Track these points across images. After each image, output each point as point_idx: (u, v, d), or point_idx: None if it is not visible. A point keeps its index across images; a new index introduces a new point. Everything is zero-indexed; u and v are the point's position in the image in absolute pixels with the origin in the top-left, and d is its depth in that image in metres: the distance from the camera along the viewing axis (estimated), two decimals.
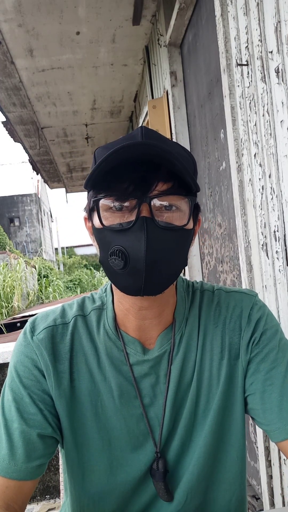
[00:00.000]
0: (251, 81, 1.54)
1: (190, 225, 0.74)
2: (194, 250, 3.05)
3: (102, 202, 0.71)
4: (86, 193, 0.79)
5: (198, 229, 0.81)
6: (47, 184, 9.01)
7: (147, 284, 0.69)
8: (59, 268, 24.17)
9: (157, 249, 0.68)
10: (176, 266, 0.73)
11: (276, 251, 1.47)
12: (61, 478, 0.91)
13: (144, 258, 0.67)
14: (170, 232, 0.70)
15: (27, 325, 0.83)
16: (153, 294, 0.72)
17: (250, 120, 1.59)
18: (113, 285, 0.80)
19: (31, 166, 7.52)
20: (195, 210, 0.76)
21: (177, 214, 0.72)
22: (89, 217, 0.77)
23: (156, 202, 0.69)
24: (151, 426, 0.80)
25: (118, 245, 0.69)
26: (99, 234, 0.73)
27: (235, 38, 1.68)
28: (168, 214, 0.71)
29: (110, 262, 0.70)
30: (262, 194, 1.55)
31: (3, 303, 9.47)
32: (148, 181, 0.69)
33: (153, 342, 0.80)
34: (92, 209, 0.75)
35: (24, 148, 6.37)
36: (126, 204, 0.70)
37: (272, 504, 1.69)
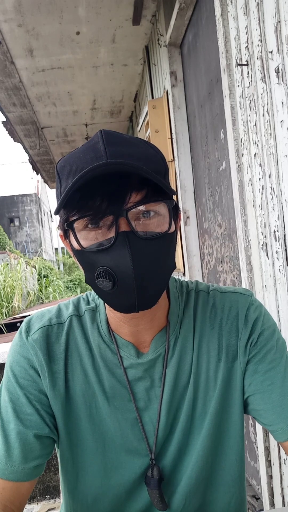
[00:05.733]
0: (251, 81, 1.54)
1: (172, 229, 0.71)
2: (194, 250, 3.05)
3: (77, 223, 0.67)
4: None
5: (179, 224, 0.77)
6: (47, 184, 9.01)
7: (140, 299, 0.67)
8: (59, 268, 24.17)
9: (144, 262, 0.65)
10: (165, 273, 0.71)
11: (276, 251, 1.47)
12: (60, 479, 0.91)
13: (133, 275, 0.65)
14: (153, 241, 0.67)
15: (23, 325, 0.82)
16: (147, 308, 0.70)
17: (250, 120, 1.59)
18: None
19: (31, 166, 7.52)
20: (174, 211, 0.73)
21: (157, 219, 0.68)
22: (65, 236, 0.72)
23: (132, 212, 0.66)
24: (146, 431, 0.79)
25: (103, 266, 0.66)
26: (80, 256, 0.70)
27: (235, 38, 1.67)
28: (146, 221, 0.68)
29: (98, 284, 0.68)
30: (262, 194, 1.55)
31: (3, 303, 9.46)
32: (121, 194, 0.65)
33: (148, 346, 0.79)
34: (66, 230, 0.70)
35: (24, 148, 6.37)
36: (102, 222, 0.66)
37: (272, 504, 1.69)
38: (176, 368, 0.79)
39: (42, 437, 0.78)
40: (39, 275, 14.32)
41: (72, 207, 0.67)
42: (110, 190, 0.65)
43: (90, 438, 0.79)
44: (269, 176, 1.46)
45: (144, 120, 4.47)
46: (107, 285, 0.67)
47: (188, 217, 3.04)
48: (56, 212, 0.69)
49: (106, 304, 0.81)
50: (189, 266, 3.06)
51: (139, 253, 0.65)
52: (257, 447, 1.89)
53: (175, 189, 2.23)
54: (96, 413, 0.79)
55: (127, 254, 0.64)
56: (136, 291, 0.66)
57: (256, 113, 1.53)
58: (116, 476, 0.79)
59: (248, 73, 1.57)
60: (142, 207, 0.67)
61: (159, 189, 0.68)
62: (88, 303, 0.84)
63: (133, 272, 0.65)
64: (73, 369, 0.80)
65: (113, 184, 0.65)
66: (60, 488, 0.90)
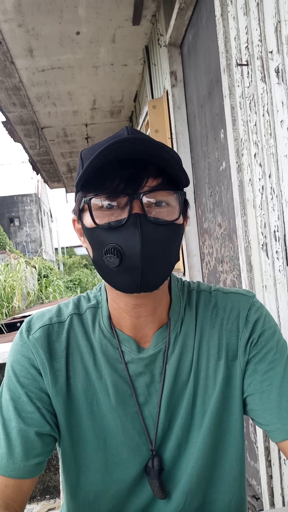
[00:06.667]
0: (251, 81, 1.55)
1: (181, 220, 0.75)
2: (194, 250, 3.06)
3: (94, 201, 0.71)
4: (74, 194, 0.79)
5: (185, 225, 0.81)
6: (47, 184, 9.01)
7: (143, 280, 0.70)
8: (59, 268, 24.17)
9: (151, 245, 0.69)
10: (170, 261, 0.74)
11: (276, 251, 1.47)
12: (61, 478, 0.91)
13: (140, 255, 0.68)
14: (162, 227, 0.71)
15: (23, 325, 0.83)
16: (149, 290, 0.72)
17: (250, 120, 1.59)
18: (107, 285, 0.80)
19: (31, 166, 7.52)
20: (184, 206, 0.76)
21: (167, 209, 0.72)
22: (79, 218, 0.77)
23: (146, 198, 0.70)
24: (146, 425, 0.80)
25: (112, 243, 0.69)
26: (92, 234, 0.73)
27: (235, 38, 1.68)
28: (159, 209, 0.72)
29: (105, 260, 0.71)
30: (262, 194, 1.55)
31: (3, 303, 9.47)
32: (138, 178, 0.70)
33: (149, 341, 0.81)
34: (82, 209, 0.75)
35: (24, 148, 6.37)
36: (117, 201, 0.70)
37: (272, 504, 1.70)
38: (176, 365, 0.80)
39: (43, 435, 0.79)
40: (39, 275, 14.32)
41: (91, 187, 0.71)
42: (128, 173, 0.70)
43: (91, 435, 0.80)
44: (269, 176, 1.47)
45: (144, 120, 4.47)
46: (114, 261, 0.69)
47: (188, 217, 3.04)
48: (77, 185, 0.73)
49: (108, 296, 0.82)
50: (189, 266, 3.06)
51: (148, 235, 0.68)
52: (257, 447, 1.89)
53: None
54: (97, 409, 0.80)
55: (137, 234, 0.68)
56: (140, 271, 0.69)
57: (256, 113, 1.53)
58: (118, 472, 0.80)
59: (248, 73, 1.57)
60: (153, 200, 0.71)
61: (173, 180, 0.72)
62: (89, 300, 0.86)
63: (140, 252, 0.68)
64: (74, 367, 0.80)
65: (132, 168, 0.69)
66: (61, 488, 0.90)
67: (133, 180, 0.70)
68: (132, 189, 0.69)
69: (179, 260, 0.77)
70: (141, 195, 0.69)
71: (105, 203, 0.71)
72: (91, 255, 0.76)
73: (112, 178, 0.70)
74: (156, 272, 0.72)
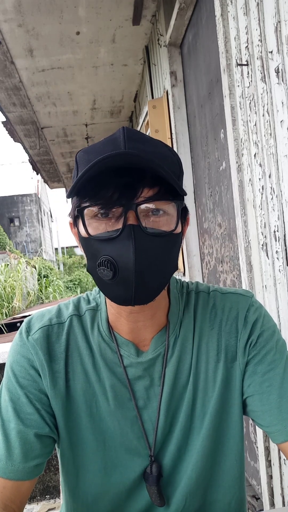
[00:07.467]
0: (251, 81, 1.54)
1: (179, 229, 0.72)
2: (194, 250, 3.05)
3: (87, 211, 0.69)
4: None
5: (186, 228, 0.79)
6: (47, 184, 9.01)
7: (138, 293, 0.68)
8: (59, 268, 24.17)
9: (146, 257, 0.66)
10: (166, 272, 0.72)
11: (276, 251, 1.47)
12: (61, 479, 0.91)
13: (134, 268, 0.65)
14: (158, 238, 0.68)
15: (23, 325, 0.83)
16: (144, 303, 0.71)
17: (250, 120, 1.59)
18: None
19: (31, 166, 7.52)
20: (183, 213, 0.74)
21: (165, 218, 0.70)
22: (74, 224, 0.74)
23: (142, 208, 0.68)
24: (146, 430, 0.79)
25: (106, 255, 0.67)
26: (86, 243, 0.71)
27: (235, 38, 1.67)
28: (156, 218, 0.69)
29: (98, 272, 0.69)
30: (262, 194, 1.55)
31: (4, 303, 9.47)
32: (133, 188, 0.67)
33: (148, 344, 0.80)
34: (77, 216, 0.72)
35: (24, 148, 6.37)
36: (111, 212, 0.68)
37: (272, 504, 1.69)
38: (175, 368, 0.80)
39: (42, 436, 0.78)
40: (39, 275, 14.32)
41: (85, 195, 0.69)
42: (123, 182, 0.67)
43: (90, 437, 0.79)
44: (269, 176, 1.46)
45: (144, 120, 4.47)
46: (107, 274, 0.67)
47: (188, 218, 3.04)
48: (69, 196, 0.71)
49: (106, 300, 0.81)
50: (189, 266, 3.06)
51: (142, 247, 0.66)
52: (257, 447, 1.89)
53: None
54: (97, 412, 0.79)
55: (131, 246, 0.65)
56: (134, 285, 0.67)
57: (256, 113, 1.53)
58: (116, 474, 0.80)
59: (248, 73, 1.57)
60: (151, 205, 0.68)
61: (171, 189, 0.69)
62: (88, 302, 0.85)
63: (134, 265, 0.65)
64: (74, 369, 0.80)
65: (127, 177, 0.67)
66: (60, 488, 0.90)
67: (128, 189, 0.67)
68: (127, 199, 0.67)
69: (177, 269, 0.75)
70: (136, 205, 0.67)
71: (99, 213, 0.68)
72: (86, 263, 0.74)
73: (107, 188, 0.67)
74: (151, 285, 0.69)
